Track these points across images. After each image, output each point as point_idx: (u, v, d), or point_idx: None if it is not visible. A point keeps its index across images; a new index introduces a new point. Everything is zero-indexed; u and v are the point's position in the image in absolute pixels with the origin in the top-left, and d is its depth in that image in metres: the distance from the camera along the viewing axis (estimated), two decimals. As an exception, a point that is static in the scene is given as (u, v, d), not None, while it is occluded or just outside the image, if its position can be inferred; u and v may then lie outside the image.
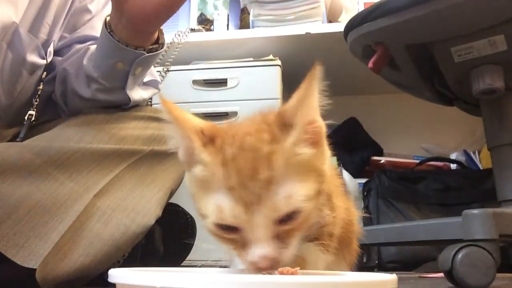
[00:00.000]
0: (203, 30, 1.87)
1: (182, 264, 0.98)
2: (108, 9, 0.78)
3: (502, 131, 1.05)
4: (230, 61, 1.69)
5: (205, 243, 0.48)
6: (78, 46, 0.89)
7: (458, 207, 1.43)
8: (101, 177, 0.72)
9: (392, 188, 1.56)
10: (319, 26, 1.68)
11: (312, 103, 0.44)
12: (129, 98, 0.82)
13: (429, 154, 1.93)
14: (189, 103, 1.60)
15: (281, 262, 0.42)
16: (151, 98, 0.95)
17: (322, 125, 0.46)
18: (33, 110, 0.85)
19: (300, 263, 0.44)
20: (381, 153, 1.94)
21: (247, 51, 1.75)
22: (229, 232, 0.43)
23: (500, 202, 1.04)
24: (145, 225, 0.72)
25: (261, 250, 0.41)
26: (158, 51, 0.80)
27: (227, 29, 1.90)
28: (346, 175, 1.65)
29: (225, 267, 0.53)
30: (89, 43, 0.89)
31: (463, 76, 1.05)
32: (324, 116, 0.47)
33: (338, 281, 0.36)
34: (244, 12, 1.90)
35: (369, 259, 1.41)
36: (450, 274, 0.81)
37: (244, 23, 1.88)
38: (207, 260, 0.54)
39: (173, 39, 1.23)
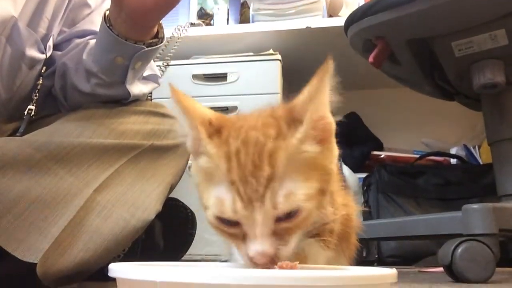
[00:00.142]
0: (203, 24, 1.86)
1: (182, 258, 0.98)
2: (107, 4, 0.78)
3: (503, 125, 1.05)
4: (230, 55, 1.68)
5: (207, 233, 0.48)
6: (78, 40, 0.89)
7: (458, 201, 1.43)
8: (101, 171, 0.72)
9: (392, 183, 1.56)
10: (319, 21, 1.67)
11: (323, 99, 0.43)
12: (128, 93, 0.82)
13: (429, 149, 1.93)
14: (189, 97, 1.59)
15: (278, 259, 0.41)
16: (151, 93, 0.95)
17: (331, 122, 0.45)
18: (33, 105, 0.84)
19: (300, 259, 0.44)
20: (381, 148, 1.94)
21: (247, 46, 1.74)
22: (229, 225, 0.42)
23: (500, 197, 1.04)
24: (145, 219, 0.72)
25: (258, 246, 0.41)
26: (158, 46, 0.80)
27: (227, 23, 1.89)
28: (346, 169, 1.65)
29: (224, 261, 0.53)
30: (88, 37, 0.89)
31: (464, 70, 1.05)
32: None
33: (338, 276, 0.35)
34: (244, 7, 1.90)
35: (369, 253, 1.41)
36: (449, 269, 0.81)
37: (244, 18, 1.88)
38: (207, 255, 0.54)
39: (173, 34, 1.22)
